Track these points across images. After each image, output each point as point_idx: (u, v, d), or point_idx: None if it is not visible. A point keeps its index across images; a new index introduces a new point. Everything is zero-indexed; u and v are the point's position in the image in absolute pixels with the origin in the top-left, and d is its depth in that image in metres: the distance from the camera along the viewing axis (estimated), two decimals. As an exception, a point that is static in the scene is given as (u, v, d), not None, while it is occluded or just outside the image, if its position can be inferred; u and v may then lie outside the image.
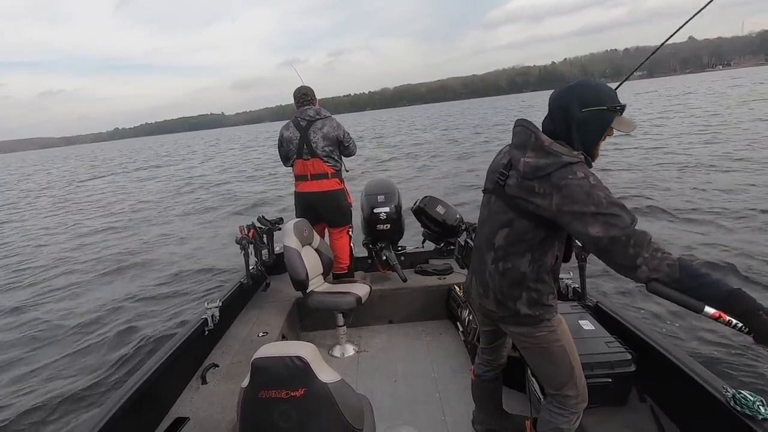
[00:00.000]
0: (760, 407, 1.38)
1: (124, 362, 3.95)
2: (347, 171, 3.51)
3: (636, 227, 1.20)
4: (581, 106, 1.35)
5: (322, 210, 3.34)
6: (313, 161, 3.26)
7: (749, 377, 2.92)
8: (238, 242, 3.22)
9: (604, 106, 1.34)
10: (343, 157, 3.43)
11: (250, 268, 3.35)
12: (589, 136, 1.38)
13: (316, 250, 3.02)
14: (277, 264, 3.64)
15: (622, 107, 1.35)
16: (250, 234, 3.29)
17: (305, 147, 3.25)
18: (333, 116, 3.33)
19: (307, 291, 2.83)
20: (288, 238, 2.81)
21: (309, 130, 3.23)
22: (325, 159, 3.25)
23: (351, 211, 3.47)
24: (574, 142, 1.38)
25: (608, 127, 1.36)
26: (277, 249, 3.70)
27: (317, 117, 3.26)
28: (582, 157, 1.35)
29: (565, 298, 2.56)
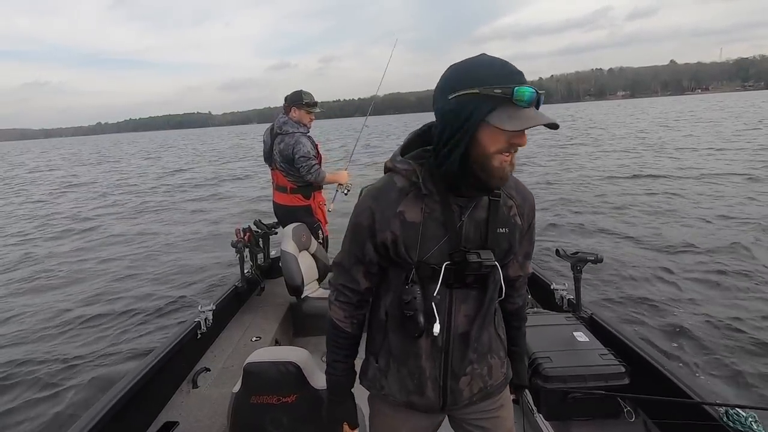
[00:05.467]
0: (752, 424, 1.41)
1: (114, 364, 3.83)
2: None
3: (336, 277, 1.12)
4: (450, 90, 0.89)
5: (282, 223, 3.32)
6: (275, 172, 3.28)
7: (742, 394, 2.99)
8: (233, 245, 3.19)
9: (476, 89, 0.85)
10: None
11: (246, 271, 3.33)
12: (448, 140, 0.90)
13: (313, 255, 3.02)
14: (273, 268, 3.61)
15: (512, 90, 0.83)
16: (247, 237, 3.27)
17: (271, 156, 3.27)
18: (295, 132, 3.14)
19: (302, 296, 2.82)
20: (286, 242, 2.80)
21: (274, 141, 3.22)
22: (284, 174, 3.22)
23: (314, 228, 3.28)
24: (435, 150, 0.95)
25: (480, 123, 0.86)
26: (272, 253, 3.68)
27: (278, 132, 3.18)
28: (404, 166, 0.99)
29: (560, 309, 2.59)
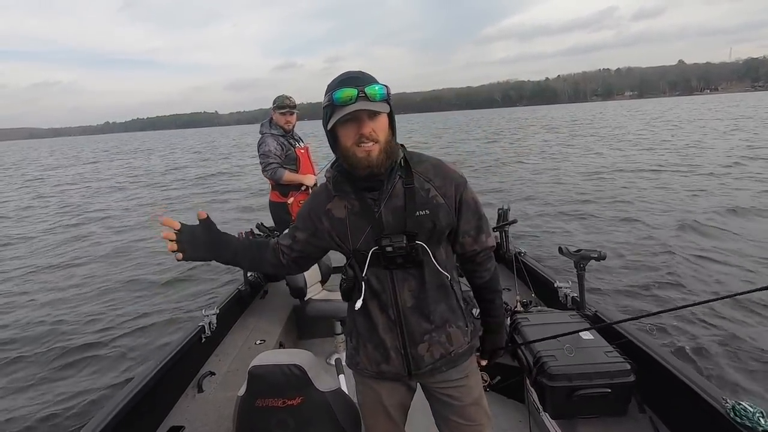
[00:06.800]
0: (760, 419, 1.39)
1: (119, 370, 3.84)
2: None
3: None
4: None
5: (272, 218, 3.48)
6: None
7: (749, 388, 2.96)
8: None
9: (324, 103, 1.11)
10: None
11: (248, 275, 3.33)
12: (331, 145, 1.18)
13: (314, 258, 3.01)
14: None
15: (332, 96, 1.07)
16: None
17: None
18: (264, 133, 3.34)
19: (305, 299, 2.82)
20: None
21: None
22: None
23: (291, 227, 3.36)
24: None
25: (333, 127, 1.11)
26: None
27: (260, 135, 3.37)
28: (328, 175, 1.24)
29: (564, 307, 2.57)
